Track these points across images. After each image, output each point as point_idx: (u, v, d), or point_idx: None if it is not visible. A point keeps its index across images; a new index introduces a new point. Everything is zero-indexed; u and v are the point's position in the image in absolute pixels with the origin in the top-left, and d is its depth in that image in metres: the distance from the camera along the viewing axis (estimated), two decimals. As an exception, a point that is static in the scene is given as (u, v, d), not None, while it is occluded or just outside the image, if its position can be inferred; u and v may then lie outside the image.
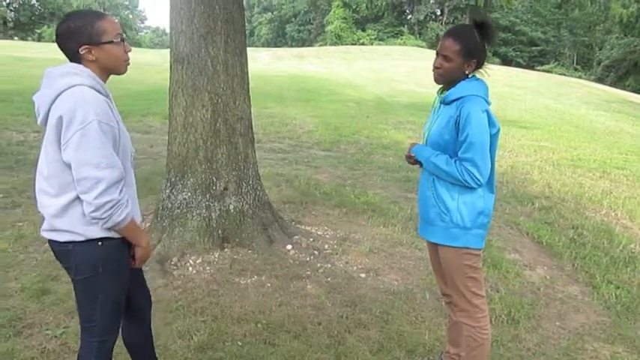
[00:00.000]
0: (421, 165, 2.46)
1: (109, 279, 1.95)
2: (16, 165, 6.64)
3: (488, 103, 2.30)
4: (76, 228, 1.86)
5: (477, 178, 2.23)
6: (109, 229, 1.87)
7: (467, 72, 2.32)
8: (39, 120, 1.85)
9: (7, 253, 3.94)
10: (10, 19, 64.22)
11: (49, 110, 1.80)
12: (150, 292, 2.36)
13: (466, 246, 2.36)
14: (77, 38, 1.84)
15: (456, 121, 2.25)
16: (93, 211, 1.78)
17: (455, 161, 2.28)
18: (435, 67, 2.35)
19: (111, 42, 1.88)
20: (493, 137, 2.28)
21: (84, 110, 1.74)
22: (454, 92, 2.31)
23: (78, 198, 1.81)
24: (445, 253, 2.43)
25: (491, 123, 2.25)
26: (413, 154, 2.48)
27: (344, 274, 3.95)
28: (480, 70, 2.38)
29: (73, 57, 1.88)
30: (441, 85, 2.45)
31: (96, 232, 1.86)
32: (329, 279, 3.86)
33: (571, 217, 5.92)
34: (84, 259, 1.90)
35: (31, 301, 3.24)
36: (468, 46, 2.27)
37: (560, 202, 6.60)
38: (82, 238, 1.87)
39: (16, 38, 53.40)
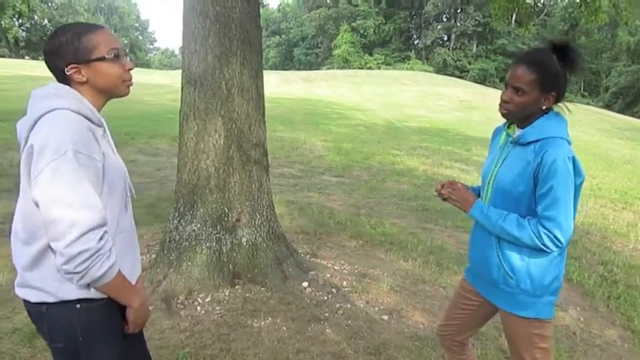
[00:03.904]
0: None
1: (92, 349, 1.58)
2: (16, 188, 6.36)
3: (569, 143, 1.91)
4: (47, 286, 1.50)
5: (558, 240, 1.83)
6: (88, 285, 1.50)
7: (544, 107, 1.91)
8: (21, 150, 1.52)
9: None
10: (21, 39, 65.13)
11: (27, 138, 1.48)
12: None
13: (536, 317, 1.97)
14: (63, 56, 1.54)
15: (535, 169, 1.85)
16: (64, 263, 1.41)
17: (529, 221, 1.87)
18: (504, 101, 1.92)
19: (102, 58, 1.56)
20: (577, 188, 1.87)
21: (58, 138, 1.41)
22: (532, 133, 1.90)
23: (50, 247, 1.46)
24: (509, 320, 2.06)
25: (577, 172, 1.85)
26: (459, 204, 2.07)
27: (365, 316, 3.62)
28: (559, 104, 1.97)
29: (63, 78, 1.58)
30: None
31: (71, 291, 1.50)
32: (349, 322, 3.53)
33: (599, 252, 5.64)
34: (58, 324, 1.54)
35: (22, 345, 2.92)
36: (546, 76, 1.86)
37: (585, 234, 6.30)
38: (53, 299, 1.51)
39: (27, 57, 53.95)
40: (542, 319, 1.98)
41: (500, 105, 1.96)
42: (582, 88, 55.97)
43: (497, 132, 2.19)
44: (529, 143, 1.90)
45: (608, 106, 43.36)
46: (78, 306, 1.53)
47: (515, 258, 1.94)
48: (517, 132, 2.00)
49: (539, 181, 1.84)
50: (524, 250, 1.92)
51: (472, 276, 2.23)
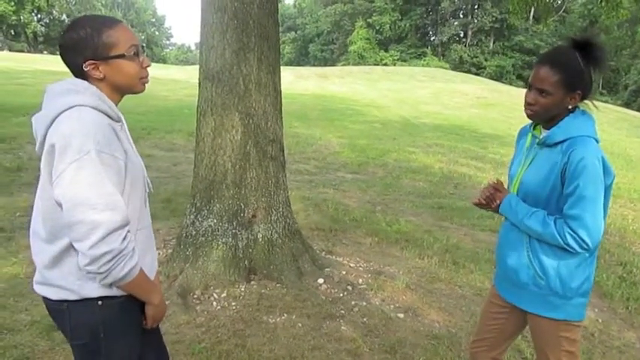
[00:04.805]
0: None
1: (114, 345, 1.60)
2: (36, 181, 6.40)
3: (597, 141, 1.86)
4: (70, 284, 1.51)
5: (583, 241, 1.78)
6: (110, 285, 1.51)
7: (569, 106, 1.88)
8: (37, 146, 1.51)
9: (19, 279, 3.67)
10: (40, 34, 65.88)
11: (45, 135, 1.47)
12: (168, 356, 1.98)
13: (565, 319, 1.94)
14: (81, 51, 1.50)
15: (562, 169, 1.81)
16: (88, 264, 1.42)
17: (555, 221, 1.84)
18: (528, 104, 1.89)
19: (122, 56, 1.53)
20: (607, 188, 1.83)
21: (81, 137, 1.39)
22: (558, 133, 1.86)
23: (73, 246, 1.45)
24: (538, 323, 2.02)
25: (606, 171, 1.80)
26: (498, 205, 2.04)
27: (381, 314, 3.60)
28: (586, 101, 1.93)
29: (79, 74, 1.55)
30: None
31: (93, 289, 1.52)
32: (365, 319, 3.52)
33: (617, 253, 5.55)
34: (80, 321, 1.55)
35: (41, 338, 2.95)
36: (570, 76, 1.82)
37: (603, 234, 6.18)
38: (76, 297, 1.52)
39: (45, 52, 54.58)
40: (572, 321, 1.95)
41: (525, 107, 1.92)
42: (601, 86, 55.16)
43: (522, 133, 2.14)
44: (556, 144, 1.86)
45: (627, 105, 42.77)
46: (99, 303, 1.53)
47: (546, 258, 1.91)
48: (543, 133, 1.96)
49: (566, 180, 1.80)
50: (555, 249, 1.88)
51: (498, 281, 2.19)
